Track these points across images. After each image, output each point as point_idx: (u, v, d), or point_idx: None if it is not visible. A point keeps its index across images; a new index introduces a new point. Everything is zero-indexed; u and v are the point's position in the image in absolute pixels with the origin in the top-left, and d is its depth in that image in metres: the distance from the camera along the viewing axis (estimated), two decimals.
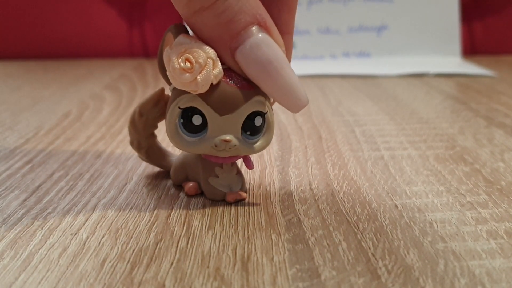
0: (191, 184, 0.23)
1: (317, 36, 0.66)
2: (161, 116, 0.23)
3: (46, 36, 0.69)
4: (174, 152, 0.26)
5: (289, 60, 0.22)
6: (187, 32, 0.20)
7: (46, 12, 0.69)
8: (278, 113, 0.38)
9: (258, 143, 0.21)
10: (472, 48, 0.71)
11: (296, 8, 0.22)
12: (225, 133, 0.20)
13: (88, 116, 0.38)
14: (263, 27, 0.19)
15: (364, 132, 0.33)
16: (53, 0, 0.69)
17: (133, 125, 0.23)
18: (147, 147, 0.24)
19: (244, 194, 0.22)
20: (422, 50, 0.65)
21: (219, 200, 0.22)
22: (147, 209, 0.22)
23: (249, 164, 0.22)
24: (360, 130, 0.33)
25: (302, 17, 0.66)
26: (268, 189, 0.24)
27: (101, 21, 0.70)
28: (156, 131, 0.24)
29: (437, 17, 0.66)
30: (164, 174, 0.25)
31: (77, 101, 0.43)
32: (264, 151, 0.29)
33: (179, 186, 0.24)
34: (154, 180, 0.25)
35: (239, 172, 0.23)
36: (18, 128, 0.35)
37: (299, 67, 0.59)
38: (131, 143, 0.24)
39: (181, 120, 0.20)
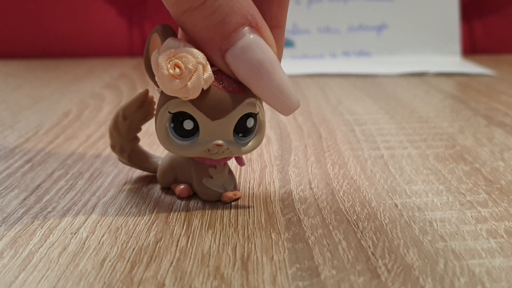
0: (182, 186, 0.22)
1: (317, 35, 0.66)
2: (145, 118, 0.23)
3: (46, 35, 0.69)
4: (158, 153, 0.26)
5: (280, 55, 0.21)
6: (175, 34, 0.19)
7: (46, 11, 0.69)
8: (278, 113, 0.38)
9: (250, 144, 0.21)
10: (472, 47, 0.71)
11: (288, 2, 0.21)
12: (217, 137, 0.20)
13: (88, 115, 0.38)
14: (255, 28, 0.19)
15: (364, 131, 0.33)
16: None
17: (116, 128, 0.23)
18: (129, 150, 0.24)
19: (239, 193, 0.22)
20: (422, 49, 0.65)
21: (214, 201, 0.22)
22: (147, 208, 0.22)
23: (240, 162, 0.22)
24: (360, 129, 0.33)
25: (302, 16, 0.66)
26: (268, 188, 0.24)
27: (101, 20, 0.70)
28: (140, 134, 0.24)
29: (437, 16, 0.66)
30: None
31: (77, 100, 0.43)
32: (264, 151, 0.29)
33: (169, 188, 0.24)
34: (154, 180, 0.25)
35: (230, 171, 0.23)
36: (18, 127, 0.35)
37: (299, 66, 0.59)
38: (113, 147, 0.24)
39: (172, 125, 0.20)
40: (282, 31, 0.21)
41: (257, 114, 0.20)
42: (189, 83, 0.18)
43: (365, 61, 0.63)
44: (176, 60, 0.18)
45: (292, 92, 0.19)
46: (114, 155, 0.28)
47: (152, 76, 0.20)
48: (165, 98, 0.20)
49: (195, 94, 0.19)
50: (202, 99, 0.19)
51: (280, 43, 0.21)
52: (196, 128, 0.20)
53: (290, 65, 0.60)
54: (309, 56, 0.65)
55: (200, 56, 0.19)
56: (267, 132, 0.33)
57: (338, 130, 0.33)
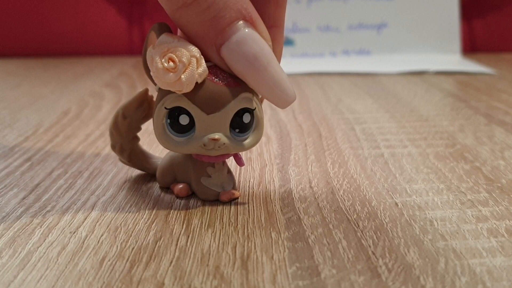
0: (181, 186, 0.22)
1: (317, 33, 0.66)
2: (145, 117, 0.23)
3: (46, 34, 0.69)
4: (157, 152, 0.25)
5: (279, 54, 0.21)
6: (171, 31, 0.19)
7: (45, 9, 0.69)
8: (278, 111, 0.38)
9: (247, 140, 0.21)
10: (472, 45, 0.71)
11: (285, 1, 0.21)
12: (213, 131, 0.20)
13: (87, 114, 0.38)
14: (249, 22, 0.19)
15: (364, 130, 0.33)
16: None
17: (116, 128, 0.23)
18: (129, 150, 0.24)
19: (237, 193, 0.22)
20: (422, 47, 0.65)
21: (212, 200, 0.22)
22: (146, 207, 0.22)
23: (240, 162, 0.22)
24: (360, 128, 0.33)
25: (302, 15, 0.66)
26: (268, 187, 0.24)
27: (101, 19, 0.70)
28: (139, 133, 0.24)
29: (437, 14, 0.66)
30: None
31: (77, 98, 0.43)
32: (264, 149, 0.29)
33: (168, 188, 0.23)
34: (154, 178, 0.25)
35: (229, 171, 0.22)
36: (18, 126, 0.35)
37: (298, 64, 0.59)
38: (113, 147, 0.23)
39: (168, 121, 0.20)
40: (281, 30, 0.21)
41: (253, 109, 0.20)
42: (182, 76, 0.18)
43: (365, 60, 0.63)
44: (170, 54, 0.18)
45: (288, 85, 0.19)
46: (113, 154, 0.28)
47: (149, 73, 0.20)
48: (162, 95, 0.20)
49: (189, 88, 0.19)
50: (197, 93, 0.19)
51: (279, 42, 0.21)
52: (192, 123, 0.20)
53: (290, 64, 0.60)
54: (309, 55, 0.65)
55: (194, 50, 0.19)
56: (267, 131, 0.33)
57: (338, 129, 0.33)
